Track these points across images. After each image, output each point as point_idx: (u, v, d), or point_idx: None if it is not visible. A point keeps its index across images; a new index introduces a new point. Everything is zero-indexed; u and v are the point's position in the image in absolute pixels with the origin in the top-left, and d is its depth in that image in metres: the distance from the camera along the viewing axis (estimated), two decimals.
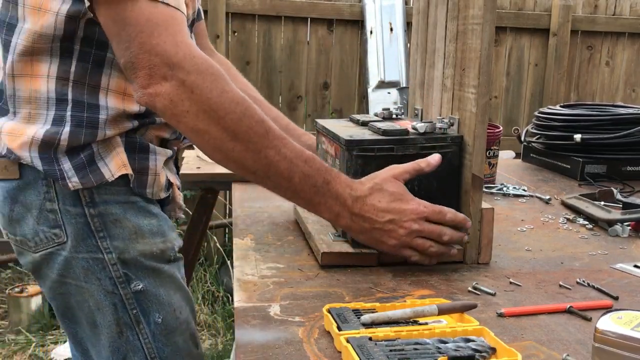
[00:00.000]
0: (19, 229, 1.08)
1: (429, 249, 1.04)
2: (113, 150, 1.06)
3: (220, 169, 1.81)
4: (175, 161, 1.24)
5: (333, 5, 3.68)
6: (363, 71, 3.75)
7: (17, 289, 3.09)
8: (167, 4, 0.94)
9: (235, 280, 1.03)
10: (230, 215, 3.58)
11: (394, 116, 1.27)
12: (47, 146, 1.03)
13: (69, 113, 1.03)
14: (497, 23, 4.43)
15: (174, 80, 0.92)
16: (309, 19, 3.70)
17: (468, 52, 1.10)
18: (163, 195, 1.15)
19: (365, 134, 1.13)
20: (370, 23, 3.67)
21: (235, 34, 3.64)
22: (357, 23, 3.74)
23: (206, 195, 2.00)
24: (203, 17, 1.38)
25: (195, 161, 1.92)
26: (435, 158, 1.08)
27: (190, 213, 2.11)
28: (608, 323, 0.72)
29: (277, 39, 3.70)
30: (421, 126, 1.12)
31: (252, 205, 1.46)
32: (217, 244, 3.57)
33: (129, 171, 1.07)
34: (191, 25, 1.15)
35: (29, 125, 1.04)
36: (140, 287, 1.09)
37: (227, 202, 3.68)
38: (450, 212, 1.05)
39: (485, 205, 1.13)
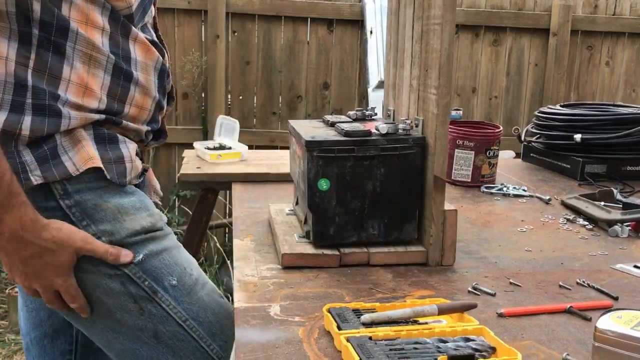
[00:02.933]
0: None
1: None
2: (78, 143, 1.01)
3: (220, 169, 1.83)
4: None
5: (333, 5, 3.68)
6: (363, 71, 3.75)
7: (17, 289, 3.09)
8: None
9: (235, 281, 1.03)
10: (230, 215, 3.58)
11: (367, 117, 1.25)
12: (8, 137, 0.97)
13: (29, 100, 0.97)
14: (497, 23, 4.39)
15: None
16: (309, 19, 3.70)
17: (430, 53, 1.08)
18: (136, 181, 1.12)
19: (329, 134, 1.12)
20: (370, 23, 3.67)
21: (235, 33, 3.64)
22: (357, 23, 3.74)
23: (206, 195, 2.00)
24: None
25: (195, 161, 1.92)
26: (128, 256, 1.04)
27: (191, 213, 2.11)
28: (608, 322, 0.73)
29: (277, 39, 3.69)
30: (383, 127, 1.10)
31: (252, 205, 1.46)
32: (217, 244, 3.57)
33: (97, 164, 1.02)
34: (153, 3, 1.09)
35: None
36: (140, 257, 1.05)
37: (227, 202, 3.68)
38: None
39: (448, 206, 1.12)
